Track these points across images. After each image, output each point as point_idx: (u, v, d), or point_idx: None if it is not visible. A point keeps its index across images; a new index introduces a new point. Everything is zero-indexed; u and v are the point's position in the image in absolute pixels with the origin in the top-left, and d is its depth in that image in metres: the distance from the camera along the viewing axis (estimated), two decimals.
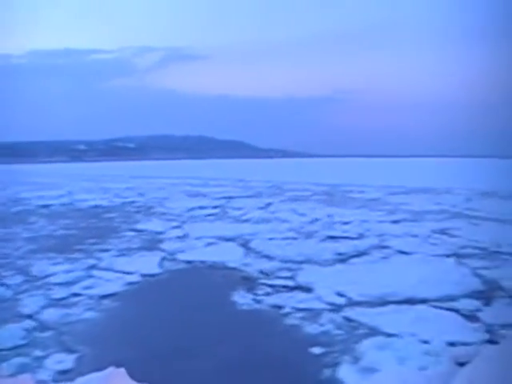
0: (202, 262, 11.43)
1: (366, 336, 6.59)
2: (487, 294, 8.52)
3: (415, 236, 13.89)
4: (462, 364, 2.80)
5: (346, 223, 16.49)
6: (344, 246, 12.51)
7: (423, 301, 8.11)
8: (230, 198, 26.59)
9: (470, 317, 7.34)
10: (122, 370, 2.09)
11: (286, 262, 11.05)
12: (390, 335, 6.53)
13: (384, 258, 11.36)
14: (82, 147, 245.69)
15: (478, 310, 7.62)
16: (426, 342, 6.16)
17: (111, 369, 3.06)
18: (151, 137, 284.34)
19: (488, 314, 7.40)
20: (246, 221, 17.82)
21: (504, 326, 6.84)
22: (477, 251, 11.96)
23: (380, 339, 6.27)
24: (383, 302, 8.09)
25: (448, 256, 11.32)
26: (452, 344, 6.12)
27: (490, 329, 6.82)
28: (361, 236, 14.20)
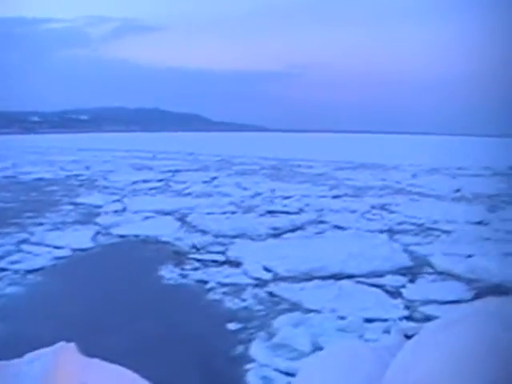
0: (136, 236, 11.18)
1: (285, 312, 6.51)
2: (414, 270, 8.56)
3: (354, 211, 13.92)
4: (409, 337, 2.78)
5: (287, 198, 16.43)
6: (281, 221, 12.43)
7: (350, 276, 8.08)
8: (177, 171, 26.20)
9: (393, 293, 7.34)
10: (72, 345, 1.95)
11: (219, 236, 10.89)
12: (310, 311, 6.47)
13: (318, 233, 11.35)
14: (36, 119, 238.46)
15: (403, 287, 7.63)
16: (343, 318, 6.14)
17: (61, 343, 2.97)
18: (105, 109, 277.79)
19: (411, 291, 7.42)
20: (188, 195, 17.57)
21: (425, 303, 6.87)
22: (413, 227, 12.06)
23: (296, 315, 6.19)
24: (309, 278, 8.02)
25: (382, 232, 11.38)
26: (369, 320, 6.11)
27: (410, 305, 6.84)
28: (300, 211, 14.17)
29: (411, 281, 7.92)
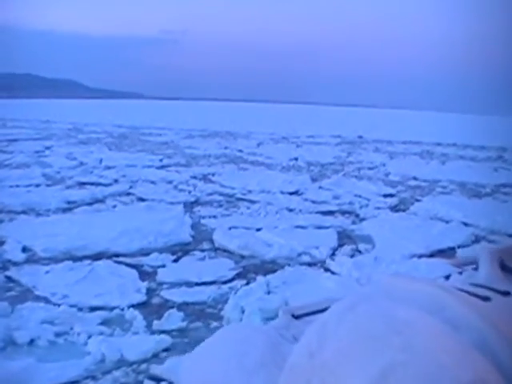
0: None
1: (13, 299, 5.54)
2: (190, 246, 7.86)
3: (170, 182, 13.12)
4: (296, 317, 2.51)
5: (109, 168, 15.31)
6: (82, 194, 11.35)
7: (115, 255, 7.26)
8: (14, 140, 23.97)
9: (149, 274, 6.59)
10: None
11: (3, 212, 9.63)
12: (39, 298, 5.57)
13: (114, 206, 10.43)
14: None
15: (163, 266, 6.89)
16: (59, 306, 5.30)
17: None
18: None
19: (169, 271, 6.67)
20: (7, 166, 15.90)
21: (175, 285, 6.19)
22: (221, 198, 11.46)
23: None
24: (67, 258, 7.08)
25: (186, 204, 10.67)
26: (93, 309, 5.33)
27: (156, 288, 6.12)
28: (114, 182, 13.15)
29: (176, 260, 7.20)
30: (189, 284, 6.23)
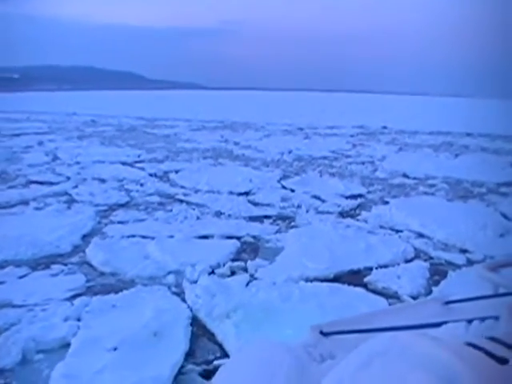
0: None
1: None
2: (59, 259, 6.93)
3: (120, 180, 12.27)
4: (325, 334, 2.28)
5: (76, 164, 14.66)
6: (14, 193, 10.71)
7: None
8: (17, 135, 23.44)
9: None
10: None
11: None
12: None
13: (38, 208, 9.68)
14: None
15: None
16: None
17: None
18: (36, 67, 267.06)
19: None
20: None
21: None
22: (165, 200, 10.49)
23: None
24: None
25: (111, 206, 9.75)
26: None
27: None
28: (67, 179, 12.50)
29: (22, 276, 6.28)
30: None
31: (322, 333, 2.23)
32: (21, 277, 6.24)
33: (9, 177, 12.75)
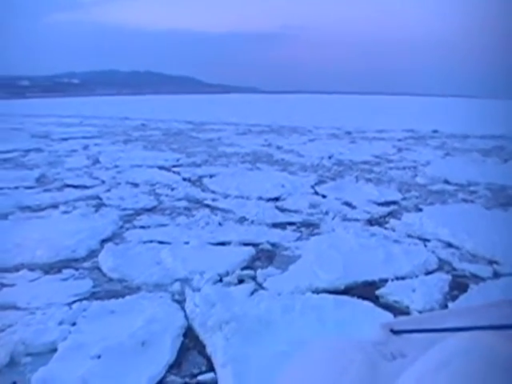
0: None
1: None
2: (73, 264, 6.96)
3: (153, 185, 12.33)
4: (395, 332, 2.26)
5: (114, 167, 14.79)
6: (47, 197, 10.91)
7: None
8: (64, 140, 24.18)
9: None
10: None
11: None
12: None
13: (65, 212, 9.74)
14: (25, 83, 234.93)
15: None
16: None
17: None
18: (97, 72, 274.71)
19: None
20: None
21: None
22: (193, 205, 10.44)
23: None
24: None
25: (137, 211, 9.75)
26: None
27: None
28: (102, 183, 12.63)
29: (34, 280, 6.35)
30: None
31: (392, 331, 2.20)
32: (32, 280, 6.28)
33: (47, 180, 12.98)
